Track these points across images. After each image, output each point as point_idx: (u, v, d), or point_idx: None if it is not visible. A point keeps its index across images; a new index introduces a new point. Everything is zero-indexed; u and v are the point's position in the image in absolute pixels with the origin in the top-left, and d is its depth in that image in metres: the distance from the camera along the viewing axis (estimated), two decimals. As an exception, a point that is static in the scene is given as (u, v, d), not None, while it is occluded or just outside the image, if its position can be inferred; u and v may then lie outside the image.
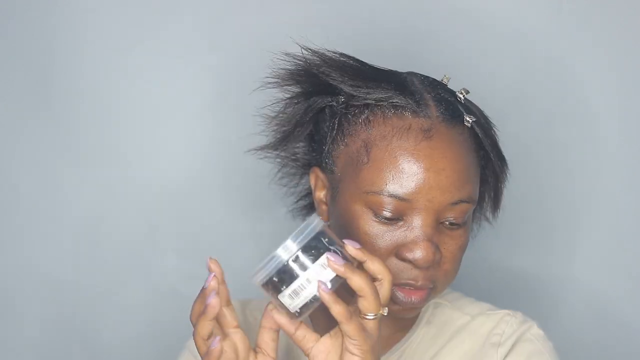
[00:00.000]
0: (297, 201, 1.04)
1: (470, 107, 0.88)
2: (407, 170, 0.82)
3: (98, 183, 1.20)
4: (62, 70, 1.17)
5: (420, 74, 0.90)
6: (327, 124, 0.89)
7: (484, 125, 0.87)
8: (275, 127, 0.95)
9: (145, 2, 1.16)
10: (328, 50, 0.87)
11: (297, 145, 0.97)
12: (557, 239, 1.17)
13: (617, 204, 1.14)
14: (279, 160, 1.00)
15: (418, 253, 0.82)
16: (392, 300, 0.85)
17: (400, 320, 0.93)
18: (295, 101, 0.92)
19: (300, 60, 0.87)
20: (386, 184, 0.82)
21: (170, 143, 1.20)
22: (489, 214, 0.95)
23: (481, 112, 0.89)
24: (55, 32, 1.17)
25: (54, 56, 1.17)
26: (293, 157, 0.99)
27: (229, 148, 1.19)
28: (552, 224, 1.17)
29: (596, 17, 1.10)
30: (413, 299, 0.84)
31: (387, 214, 0.83)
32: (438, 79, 0.90)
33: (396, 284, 0.84)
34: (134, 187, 1.20)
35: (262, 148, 0.98)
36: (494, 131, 0.89)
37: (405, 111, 0.84)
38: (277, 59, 0.87)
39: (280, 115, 0.94)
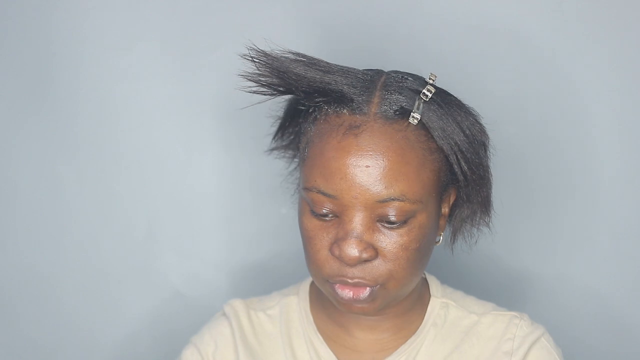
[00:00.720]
0: None
1: (439, 107, 0.84)
2: (331, 167, 0.81)
3: (98, 183, 1.20)
4: (62, 70, 1.17)
5: (399, 72, 0.88)
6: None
7: (447, 126, 0.84)
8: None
9: (145, 2, 1.16)
10: (283, 51, 0.85)
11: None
12: (557, 239, 1.17)
13: (617, 203, 1.14)
14: (296, 160, 1.00)
15: (343, 250, 0.81)
16: (336, 298, 0.85)
17: (403, 322, 0.93)
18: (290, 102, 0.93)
19: (250, 61, 0.85)
20: (315, 180, 0.83)
21: (170, 143, 1.19)
22: (487, 219, 0.93)
23: (458, 113, 0.85)
24: (55, 32, 1.16)
25: (54, 56, 1.17)
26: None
27: (229, 148, 1.19)
28: (552, 223, 1.17)
29: (596, 17, 1.10)
30: (353, 295, 0.84)
31: (320, 209, 0.83)
32: (424, 77, 0.88)
33: (333, 281, 0.84)
34: (134, 187, 1.20)
35: (272, 149, 1.00)
36: (471, 135, 0.85)
37: (343, 109, 0.83)
38: (245, 58, 0.86)
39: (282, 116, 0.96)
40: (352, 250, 0.81)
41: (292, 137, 0.97)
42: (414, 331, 0.93)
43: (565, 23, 1.10)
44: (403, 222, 0.82)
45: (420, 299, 0.95)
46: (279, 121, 0.96)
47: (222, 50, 1.15)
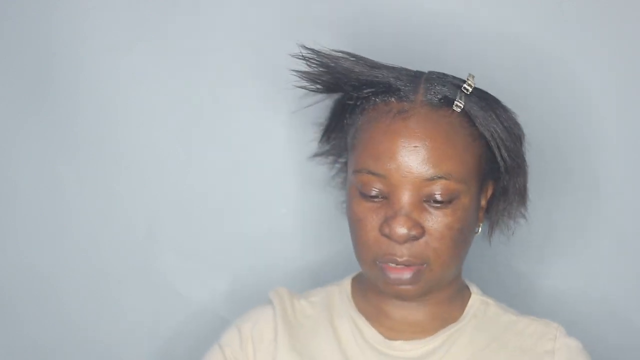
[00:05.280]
0: None
1: (479, 100, 0.90)
2: (380, 148, 0.87)
3: (98, 183, 1.20)
4: (62, 70, 1.17)
5: (441, 72, 0.93)
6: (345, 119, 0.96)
7: (487, 116, 0.89)
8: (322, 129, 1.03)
9: (145, 2, 1.16)
10: (329, 50, 0.92)
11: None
12: (560, 240, 1.17)
13: (620, 204, 1.13)
14: (337, 165, 1.06)
15: (392, 227, 0.86)
16: (384, 279, 0.89)
17: (442, 311, 0.96)
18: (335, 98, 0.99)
19: (302, 60, 0.92)
20: (365, 161, 0.88)
21: (170, 143, 1.19)
22: (523, 209, 0.99)
23: (496, 107, 0.92)
24: (55, 32, 1.16)
25: (54, 56, 1.17)
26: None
27: (229, 148, 1.19)
28: (555, 224, 1.16)
29: (595, 16, 1.10)
30: (400, 276, 0.88)
31: (369, 190, 0.88)
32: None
33: (383, 260, 0.88)
34: (134, 187, 1.20)
35: (315, 155, 1.06)
36: (509, 127, 0.91)
37: (391, 97, 0.89)
38: (295, 57, 0.92)
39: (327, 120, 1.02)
40: (401, 227, 0.86)
41: (335, 141, 1.02)
42: (453, 321, 0.96)
43: (565, 23, 1.10)
44: (448, 201, 0.87)
45: (460, 293, 0.99)
46: (324, 125, 1.02)
47: (222, 49, 1.15)
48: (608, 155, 1.12)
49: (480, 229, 0.96)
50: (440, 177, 0.86)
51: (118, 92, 1.18)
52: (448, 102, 0.88)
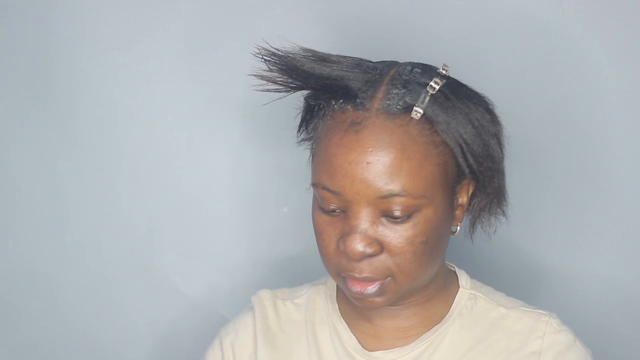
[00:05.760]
0: None
1: (446, 99, 0.84)
2: (334, 164, 0.83)
3: (98, 182, 1.20)
4: (62, 70, 1.17)
5: (412, 64, 0.87)
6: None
7: (452, 119, 0.84)
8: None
9: (146, 2, 1.16)
10: (293, 48, 0.86)
11: None
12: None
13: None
14: None
15: (347, 245, 0.82)
16: (347, 292, 0.87)
17: (426, 311, 0.93)
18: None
19: (263, 60, 0.87)
20: (320, 177, 0.84)
21: (170, 142, 1.20)
22: (502, 208, 0.93)
23: (467, 104, 0.85)
24: (55, 32, 1.17)
25: (53, 56, 1.17)
26: None
27: (229, 147, 1.19)
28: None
29: (596, 15, 1.09)
30: (362, 290, 0.85)
31: (327, 205, 0.84)
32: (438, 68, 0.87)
33: (344, 274, 0.85)
34: (135, 186, 1.20)
35: (300, 141, 0.98)
36: (480, 126, 0.85)
37: (348, 105, 0.84)
38: (257, 57, 0.87)
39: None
40: (356, 245, 0.82)
41: (313, 131, 0.96)
42: (438, 321, 0.93)
43: (565, 21, 1.10)
44: (407, 216, 0.83)
45: (445, 289, 0.95)
46: (301, 115, 0.96)
47: (222, 48, 1.15)
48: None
49: (458, 227, 0.91)
50: (395, 195, 0.81)
51: (118, 91, 1.18)
52: (408, 107, 0.83)
